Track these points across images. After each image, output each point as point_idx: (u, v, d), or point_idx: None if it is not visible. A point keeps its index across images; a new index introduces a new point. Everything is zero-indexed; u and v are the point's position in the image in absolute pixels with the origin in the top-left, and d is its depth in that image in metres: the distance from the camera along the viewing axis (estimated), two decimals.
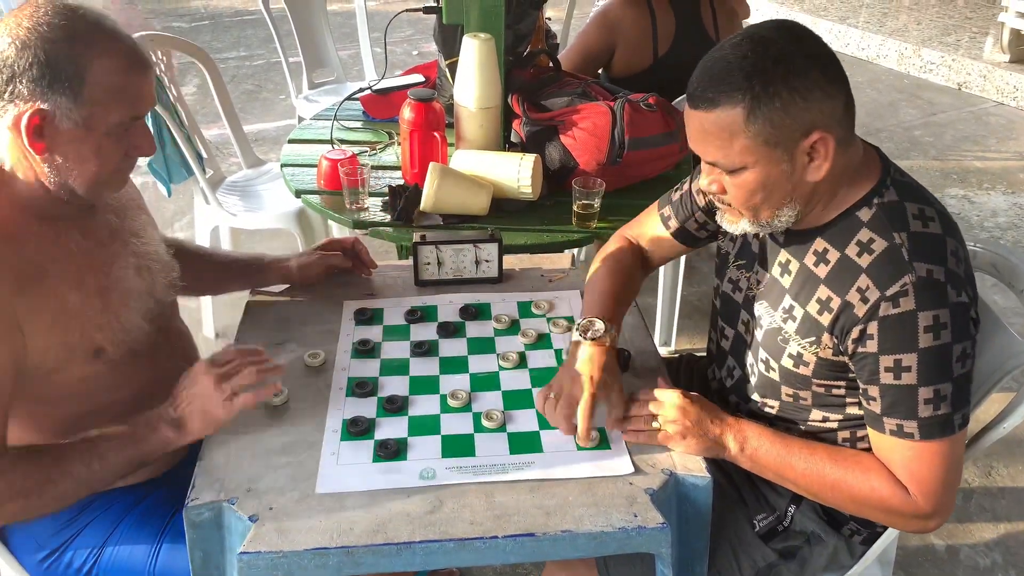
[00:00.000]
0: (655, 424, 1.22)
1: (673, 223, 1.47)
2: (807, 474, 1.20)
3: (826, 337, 1.19)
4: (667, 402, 1.23)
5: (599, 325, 1.29)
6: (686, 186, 1.45)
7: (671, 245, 1.50)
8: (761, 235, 1.32)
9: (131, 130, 1.19)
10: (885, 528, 1.33)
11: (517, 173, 1.84)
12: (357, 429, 1.25)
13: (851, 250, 1.16)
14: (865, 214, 1.17)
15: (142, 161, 2.34)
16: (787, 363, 1.26)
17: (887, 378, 1.12)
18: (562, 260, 1.74)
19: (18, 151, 1.15)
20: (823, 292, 1.19)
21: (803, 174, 1.13)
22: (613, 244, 1.53)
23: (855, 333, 1.14)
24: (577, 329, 1.29)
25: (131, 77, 1.15)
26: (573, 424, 1.21)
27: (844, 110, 1.12)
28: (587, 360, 1.25)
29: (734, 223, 1.21)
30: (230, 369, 1.20)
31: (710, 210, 1.37)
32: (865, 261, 1.14)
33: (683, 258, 2.60)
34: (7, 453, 1.15)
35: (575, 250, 2.70)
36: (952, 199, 3.90)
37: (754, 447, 1.21)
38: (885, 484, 1.15)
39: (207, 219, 2.65)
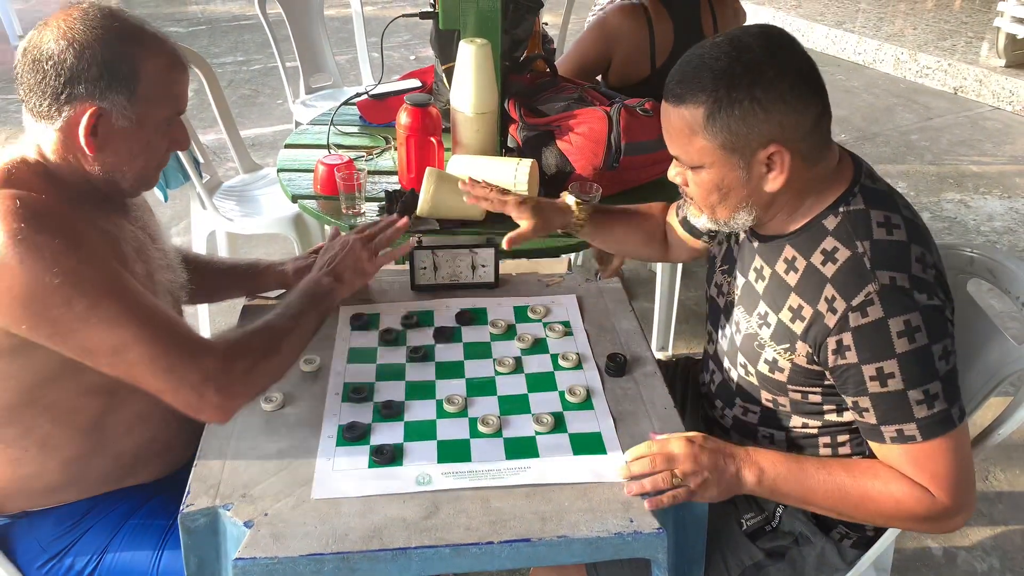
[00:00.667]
0: (674, 481, 1.16)
1: (681, 212, 1.54)
2: (830, 496, 1.18)
3: (800, 345, 1.19)
4: (678, 454, 1.17)
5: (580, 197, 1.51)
6: None
7: (681, 233, 1.55)
8: (741, 239, 1.33)
9: (173, 126, 1.24)
10: (876, 533, 1.33)
11: (514, 178, 1.84)
12: (353, 434, 1.25)
13: (816, 259, 1.16)
14: (831, 222, 1.17)
15: None
16: (763, 368, 1.26)
17: (874, 387, 1.12)
18: (559, 265, 1.75)
19: (66, 150, 1.18)
20: (794, 300, 1.19)
21: (759, 183, 1.14)
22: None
23: (832, 344, 1.14)
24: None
25: (177, 74, 1.22)
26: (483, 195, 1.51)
27: (813, 126, 1.11)
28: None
29: (697, 216, 1.26)
30: (371, 233, 1.44)
31: None
32: (829, 271, 1.14)
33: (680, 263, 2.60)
34: (235, 328, 1.27)
35: (572, 255, 2.70)
36: (948, 203, 3.91)
37: (772, 478, 1.19)
38: (908, 492, 1.14)
39: (204, 224, 2.65)
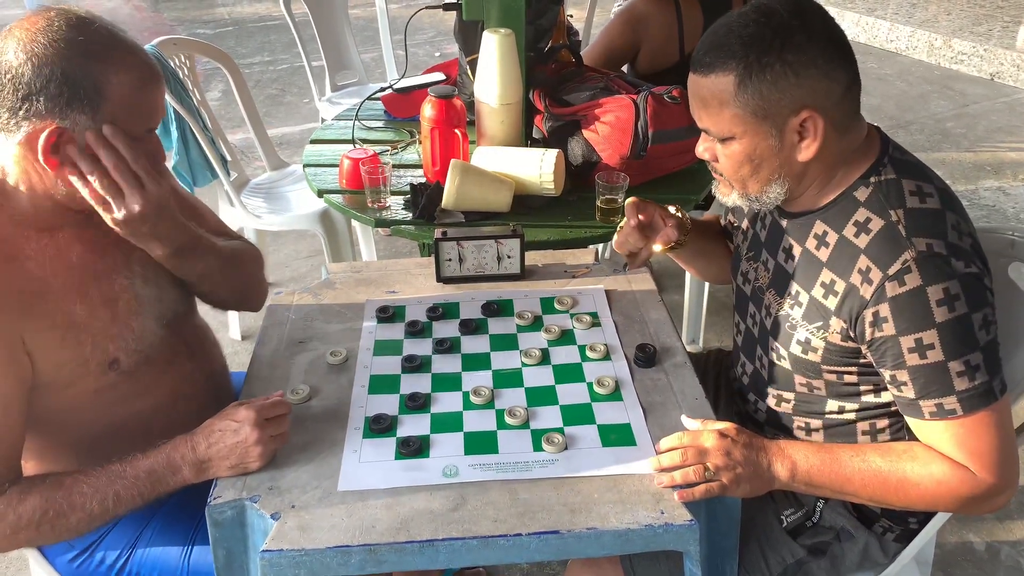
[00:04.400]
0: (706, 474, 1.13)
1: (724, 220, 1.54)
2: (867, 483, 1.14)
3: (834, 321, 1.16)
4: (710, 448, 1.14)
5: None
6: None
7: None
8: (768, 222, 1.30)
9: (144, 141, 1.18)
10: (919, 526, 1.29)
11: (539, 169, 1.83)
12: (379, 427, 1.24)
13: (849, 231, 1.14)
14: (862, 193, 1.15)
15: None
16: (796, 350, 1.23)
17: (913, 359, 1.08)
18: (585, 255, 1.72)
19: (26, 164, 1.13)
20: (826, 275, 1.17)
21: (792, 152, 1.12)
22: None
23: (869, 316, 1.11)
24: None
25: (146, 91, 1.14)
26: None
27: (844, 93, 1.10)
28: None
29: (726, 195, 1.22)
30: (279, 431, 1.17)
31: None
32: (863, 241, 1.12)
33: None
34: (20, 482, 1.15)
35: (599, 245, 2.67)
36: (986, 191, 3.82)
37: (805, 470, 1.15)
38: (948, 471, 1.10)
39: (232, 221, 2.66)
